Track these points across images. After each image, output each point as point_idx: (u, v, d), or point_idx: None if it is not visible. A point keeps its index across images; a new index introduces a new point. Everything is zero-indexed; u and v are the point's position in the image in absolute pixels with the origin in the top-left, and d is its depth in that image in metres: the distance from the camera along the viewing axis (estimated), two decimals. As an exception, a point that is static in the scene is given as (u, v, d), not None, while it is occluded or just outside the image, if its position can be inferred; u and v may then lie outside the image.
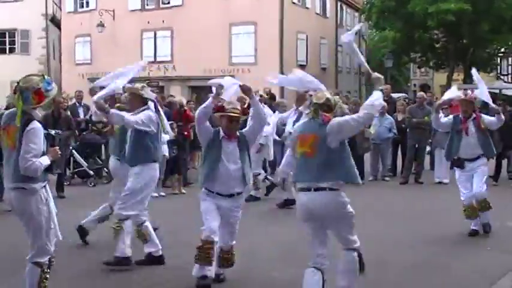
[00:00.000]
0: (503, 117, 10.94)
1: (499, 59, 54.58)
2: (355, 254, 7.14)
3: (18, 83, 6.57)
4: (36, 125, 6.45)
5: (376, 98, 6.87)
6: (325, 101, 7.08)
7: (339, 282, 7.11)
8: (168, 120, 11.56)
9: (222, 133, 7.70)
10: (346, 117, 7.05)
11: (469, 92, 11.18)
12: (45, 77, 6.71)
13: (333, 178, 6.84)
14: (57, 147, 6.88)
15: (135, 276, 8.50)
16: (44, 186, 6.71)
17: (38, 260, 6.67)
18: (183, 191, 15.49)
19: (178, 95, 24.51)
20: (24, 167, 6.34)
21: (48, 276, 6.76)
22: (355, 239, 7.12)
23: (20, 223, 6.77)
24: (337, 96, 7.90)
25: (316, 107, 7.04)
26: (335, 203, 6.88)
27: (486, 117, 10.99)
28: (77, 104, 19.19)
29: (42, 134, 6.52)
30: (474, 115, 10.84)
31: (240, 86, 7.92)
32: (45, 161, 6.50)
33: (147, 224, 9.07)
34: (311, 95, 7.97)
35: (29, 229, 6.66)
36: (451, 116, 11.42)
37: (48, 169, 6.64)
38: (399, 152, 18.77)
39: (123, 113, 8.73)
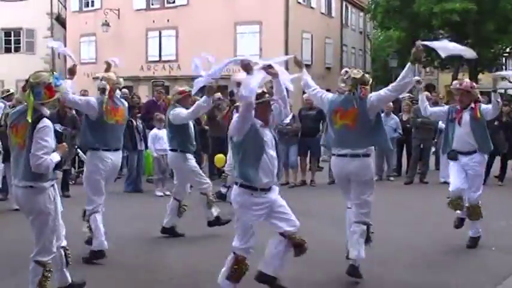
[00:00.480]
0: (499, 102, 9.99)
1: (504, 58, 54.47)
2: (365, 227, 8.12)
3: (27, 80, 6.61)
4: (47, 122, 6.49)
5: (406, 69, 7.90)
6: (362, 77, 8.06)
7: (352, 253, 8.04)
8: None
9: (258, 122, 7.26)
10: (381, 91, 8.07)
11: (466, 81, 10.49)
12: (54, 72, 6.82)
13: (368, 145, 8.04)
14: (65, 143, 6.94)
15: (143, 274, 8.52)
16: (53, 184, 6.75)
17: (40, 258, 6.70)
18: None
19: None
20: (35, 164, 6.37)
21: (50, 275, 6.77)
22: (369, 207, 8.21)
23: (23, 222, 6.79)
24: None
25: (355, 81, 7.99)
26: (365, 167, 8.06)
27: (483, 106, 10.22)
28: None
29: (52, 130, 6.55)
30: (472, 105, 9.97)
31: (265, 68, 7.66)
32: (56, 157, 6.55)
33: None
34: (346, 71, 8.37)
35: (34, 227, 6.68)
36: (446, 106, 11.19)
37: (58, 166, 6.67)
38: (404, 152, 18.75)
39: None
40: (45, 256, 6.71)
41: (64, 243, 7.03)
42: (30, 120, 6.43)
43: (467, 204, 10.15)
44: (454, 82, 10.84)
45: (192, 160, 10.72)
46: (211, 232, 10.82)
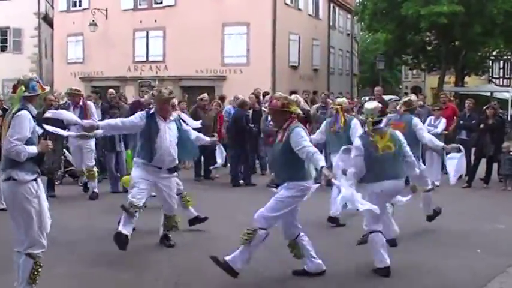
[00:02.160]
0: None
1: (490, 61, 54.75)
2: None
3: (18, 81, 7.02)
4: (24, 112, 6.77)
5: None
6: None
7: None
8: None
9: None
10: None
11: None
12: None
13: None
14: (49, 142, 7.01)
15: (130, 274, 8.51)
16: (35, 179, 6.87)
17: (30, 251, 6.80)
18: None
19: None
20: (6, 148, 6.64)
21: (40, 269, 6.85)
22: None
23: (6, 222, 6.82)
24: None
25: None
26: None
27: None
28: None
29: (30, 121, 6.78)
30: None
31: None
32: (32, 149, 6.74)
33: None
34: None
35: (19, 221, 6.80)
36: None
37: (38, 162, 6.91)
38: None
39: None
40: (36, 249, 6.83)
41: (45, 248, 7.01)
42: (15, 107, 6.80)
43: None
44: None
45: None
46: (197, 231, 10.83)
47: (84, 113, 14.01)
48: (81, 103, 14.52)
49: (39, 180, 6.96)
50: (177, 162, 9.83)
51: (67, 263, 8.93)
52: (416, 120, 11.33)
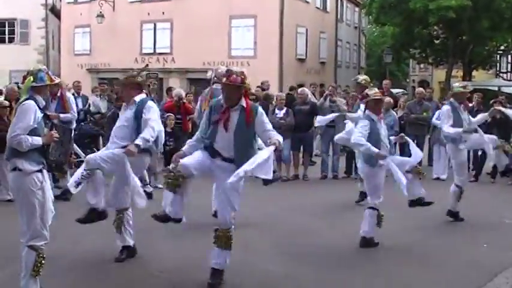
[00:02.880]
0: None
1: (498, 56, 54.57)
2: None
3: (28, 72, 7.06)
4: (30, 102, 6.80)
5: None
6: None
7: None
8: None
9: None
10: None
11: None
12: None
13: None
14: (54, 133, 6.98)
15: (134, 268, 8.52)
16: (40, 170, 6.86)
17: (33, 243, 6.79)
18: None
19: (177, 87, 24.52)
20: (9, 137, 6.66)
21: (43, 261, 6.84)
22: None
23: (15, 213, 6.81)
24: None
25: None
26: None
27: None
28: (75, 95, 19.08)
29: (35, 112, 6.77)
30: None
31: None
32: (36, 140, 6.73)
33: None
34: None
35: (22, 211, 6.81)
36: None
37: (44, 154, 6.90)
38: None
39: None
40: (39, 241, 6.81)
41: (47, 240, 6.98)
42: (24, 96, 6.88)
43: None
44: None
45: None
46: (202, 225, 10.83)
47: (61, 105, 13.48)
48: (59, 94, 13.74)
49: (44, 171, 6.94)
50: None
51: (70, 256, 8.94)
52: None
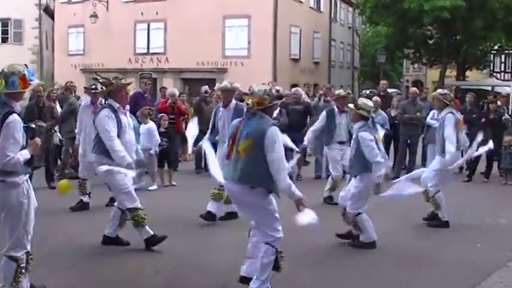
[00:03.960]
0: None
1: (492, 56, 54.68)
2: None
3: (1, 71, 6.53)
4: (15, 117, 6.37)
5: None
6: None
7: None
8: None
9: None
10: None
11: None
12: (28, 66, 6.75)
13: None
14: (37, 139, 6.76)
15: (129, 267, 8.50)
16: (27, 179, 6.67)
17: (13, 254, 6.60)
18: (174, 183, 15.47)
19: (170, 87, 24.49)
20: (3, 162, 6.29)
21: (24, 271, 6.65)
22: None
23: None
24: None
25: None
26: None
27: None
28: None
29: (21, 127, 6.44)
30: None
31: None
32: (25, 154, 6.45)
33: None
34: None
35: (6, 222, 6.60)
36: None
37: (29, 163, 6.61)
38: (392, 148, 18.75)
39: None
40: (19, 251, 6.62)
41: (28, 247, 6.76)
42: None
43: None
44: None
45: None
46: (197, 225, 10.82)
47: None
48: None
49: (29, 179, 6.76)
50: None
51: (65, 255, 8.93)
52: None
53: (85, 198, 12.21)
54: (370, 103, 10.03)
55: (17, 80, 6.45)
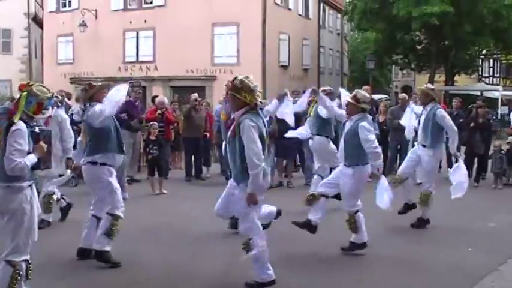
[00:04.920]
0: None
1: (480, 60, 54.89)
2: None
3: (31, 84, 6.78)
4: (20, 125, 6.49)
5: None
6: None
7: None
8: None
9: None
10: None
11: None
12: (54, 96, 6.85)
13: None
14: (42, 144, 6.79)
15: (121, 275, 8.48)
16: (30, 185, 6.71)
17: (12, 259, 6.59)
18: (164, 191, 15.44)
19: (160, 95, 24.47)
20: (10, 167, 6.35)
21: (20, 278, 6.61)
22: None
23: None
24: None
25: None
26: None
27: None
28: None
29: (27, 133, 6.53)
30: None
31: None
32: (32, 159, 6.52)
33: None
34: None
35: (8, 227, 6.60)
36: None
37: (35, 167, 6.65)
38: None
39: None
40: (18, 257, 6.61)
41: (28, 256, 6.76)
42: (16, 121, 6.48)
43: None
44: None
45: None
46: (189, 233, 10.81)
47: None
48: None
49: (33, 185, 6.80)
50: None
51: (57, 264, 8.91)
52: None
53: (62, 205, 12.07)
54: (367, 94, 9.99)
55: (34, 103, 6.71)
